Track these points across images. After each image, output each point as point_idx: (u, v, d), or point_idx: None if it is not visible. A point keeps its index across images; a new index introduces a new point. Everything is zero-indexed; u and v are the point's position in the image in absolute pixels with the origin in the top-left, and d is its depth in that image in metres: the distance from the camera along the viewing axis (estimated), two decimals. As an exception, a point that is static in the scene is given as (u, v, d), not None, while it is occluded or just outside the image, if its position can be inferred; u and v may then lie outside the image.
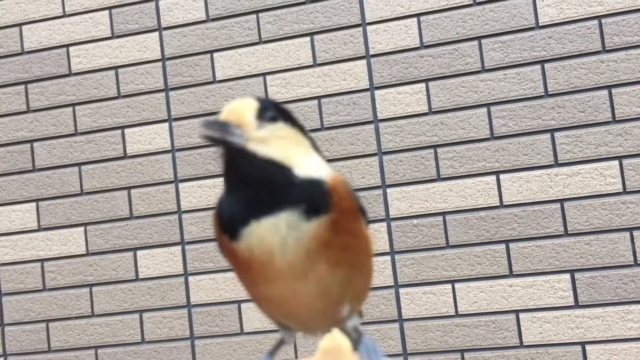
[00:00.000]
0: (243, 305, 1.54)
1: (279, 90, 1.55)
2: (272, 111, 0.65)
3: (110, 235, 1.62)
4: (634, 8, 1.38)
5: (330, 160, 1.51)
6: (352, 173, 1.50)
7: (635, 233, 1.36)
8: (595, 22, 1.40)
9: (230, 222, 0.63)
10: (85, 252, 1.63)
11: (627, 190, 1.37)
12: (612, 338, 1.36)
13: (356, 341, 0.66)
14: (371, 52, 1.51)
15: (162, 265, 1.59)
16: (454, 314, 1.44)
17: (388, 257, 1.47)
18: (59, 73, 1.68)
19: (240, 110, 0.64)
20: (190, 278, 1.57)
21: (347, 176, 1.50)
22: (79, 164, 1.65)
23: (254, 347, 1.53)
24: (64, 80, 1.67)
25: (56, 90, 1.68)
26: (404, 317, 1.46)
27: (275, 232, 0.60)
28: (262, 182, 0.62)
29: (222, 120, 0.63)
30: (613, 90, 1.38)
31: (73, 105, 1.67)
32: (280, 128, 0.65)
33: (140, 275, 1.60)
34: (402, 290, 1.46)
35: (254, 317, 1.53)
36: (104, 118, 1.65)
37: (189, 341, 1.56)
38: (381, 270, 1.47)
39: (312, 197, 0.61)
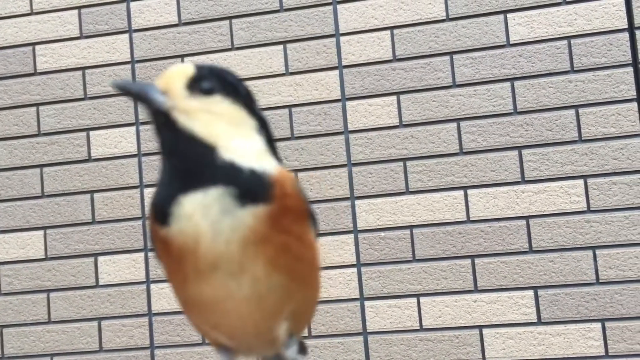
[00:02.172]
0: (206, 315, 1.51)
1: (249, 98, 1.53)
2: (211, 82, 0.59)
3: (71, 240, 1.58)
4: (602, 30, 1.40)
5: (299, 170, 1.50)
6: (321, 183, 1.49)
7: (597, 252, 1.37)
8: (565, 42, 1.42)
9: (161, 202, 0.57)
10: (44, 257, 1.59)
11: (591, 209, 1.38)
12: (574, 355, 1.37)
13: None
14: (344, 62, 1.51)
15: (123, 272, 1.55)
16: (419, 328, 1.43)
17: (354, 270, 1.46)
18: (23, 72, 1.64)
19: (172, 75, 0.59)
20: (153, 286, 1.54)
21: (316, 187, 1.49)
22: (41, 166, 1.60)
23: (215, 358, 1.50)
24: (29, 80, 1.63)
25: (20, 89, 1.63)
26: (368, 331, 1.45)
27: (205, 212, 0.55)
28: (184, 156, 0.57)
29: (148, 81, 0.58)
30: (580, 110, 1.40)
31: (37, 105, 1.62)
32: (216, 102, 0.59)
33: (101, 282, 1.56)
34: (367, 303, 1.45)
35: (217, 327, 1.50)
36: (68, 119, 1.61)
37: (149, 350, 1.53)
38: (347, 283, 1.46)
39: (240, 181, 0.56)
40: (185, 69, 0.59)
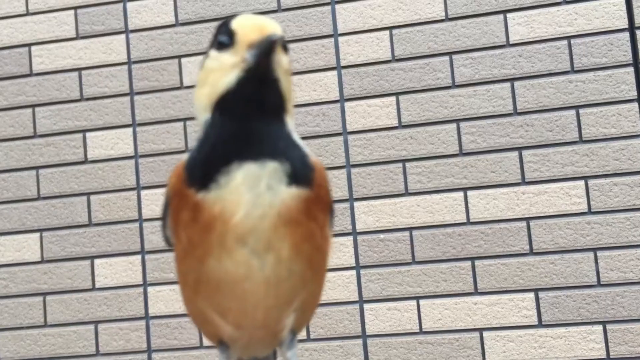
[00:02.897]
0: (203, 318, 1.49)
1: (247, 99, 1.52)
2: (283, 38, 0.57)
3: (67, 243, 1.56)
4: (602, 30, 1.39)
5: (297, 172, 1.49)
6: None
7: (599, 253, 1.36)
8: (565, 42, 1.41)
9: (207, 166, 0.55)
10: (40, 259, 1.57)
11: (592, 210, 1.37)
12: (575, 358, 1.35)
13: None
14: (342, 63, 1.49)
15: (120, 275, 1.54)
16: (418, 331, 1.42)
17: (353, 272, 1.45)
18: (19, 73, 1.62)
19: (272, 27, 0.56)
20: (150, 288, 1.52)
21: (314, 188, 1.47)
22: (37, 168, 1.59)
23: (213, 362, 1.48)
24: (25, 81, 1.62)
25: (16, 90, 1.62)
26: (367, 334, 1.44)
27: (253, 184, 0.54)
28: (263, 116, 0.55)
29: (268, 36, 0.54)
30: (581, 111, 1.39)
31: (33, 106, 1.61)
32: (288, 62, 0.59)
33: (97, 285, 1.54)
34: (366, 306, 1.44)
35: (215, 330, 1.49)
36: (65, 121, 1.59)
37: (146, 354, 1.51)
38: (346, 285, 1.44)
39: (300, 163, 0.55)
40: (278, 27, 0.57)
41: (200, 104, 0.59)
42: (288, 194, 0.55)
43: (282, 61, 0.57)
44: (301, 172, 0.56)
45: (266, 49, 0.54)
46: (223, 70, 0.56)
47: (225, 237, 0.54)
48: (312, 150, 1.52)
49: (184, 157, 0.60)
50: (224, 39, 0.57)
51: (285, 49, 0.58)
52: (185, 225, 0.57)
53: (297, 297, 0.59)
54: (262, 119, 0.56)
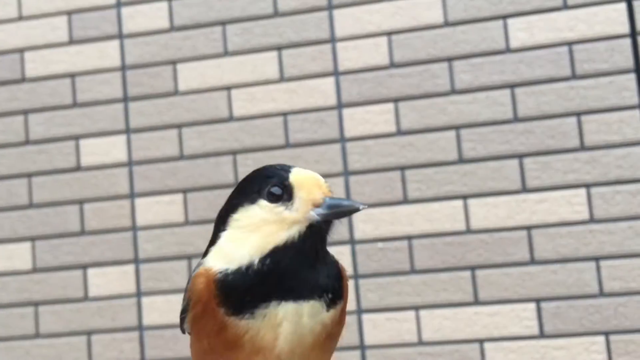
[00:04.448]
0: (198, 329, 1.46)
1: (244, 105, 1.50)
2: None
3: (60, 251, 1.53)
4: (604, 36, 1.37)
5: (294, 179, 1.46)
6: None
7: (601, 263, 1.34)
8: (566, 48, 1.39)
9: (245, 298, 0.57)
10: (31, 269, 1.54)
11: (594, 219, 1.35)
12: (577, 370, 1.33)
13: None
14: (340, 69, 1.47)
15: (113, 284, 1.51)
16: (418, 341, 1.39)
17: (352, 281, 1.42)
18: (11, 78, 1.60)
19: (323, 184, 0.61)
20: (144, 298, 1.49)
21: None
22: (29, 175, 1.56)
23: (208, 373, 1.46)
24: (17, 87, 1.59)
25: (8, 96, 1.59)
26: (366, 344, 1.41)
27: (294, 321, 0.56)
28: (314, 264, 0.59)
29: (336, 198, 0.59)
30: (582, 118, 1.37)
31: (25, 112, 1.58)
32: None
33: (90, 295, 1.51)
34: (365, 316, 1.42)
35: (210, 341, 1.46)
36: (57, 127, 1.57)
37: (140, 365, 1.48)
38: (344, 295, 1.42)
39: (337, 286, 0.59)
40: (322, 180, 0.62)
41: (242, 247, 0.59)
42: (328, 317, 0.58)
43: None
44: (337, 295, 0.59)
45: (339, 215, 0.59)
46: (281, 224, 0.58)
47: (253, 356, 0.57)
48: (309, 157, 1.50)
49: (213, 270, 0.59)
50: (278, 191, 0.59)
51: None
52: (208, 334, 0.59)
53: None
54: (311, 267, 0.59)
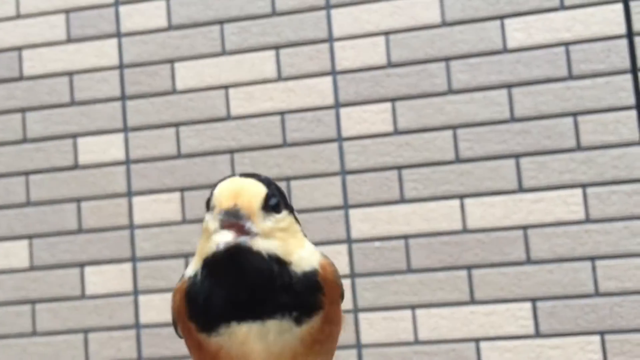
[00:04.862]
0: (195, 327, 1.47)
1: (241, 104, 1.50)
2: (276, 198, 0.57)
3: (57, 249, 1.54)
4: (601, 36, 1.38)
5: (291, 179, 1.46)
6: (314, 192, 1.45)
7: (597, 262, 1.34)
8: (563, 48, 1.39)
9: (204, 314, 0.55)
10: (28, 267, 1.54)
11: (590, 218, 1.36)
12: (572, 369, 1.34)
13: None
14: (338, 68, 1.48)
15: (111, 283, 1.51)
16: (414, 340, 1.40)
17: (348, 280, 1.43)
18: (9, 76, 1.60)
19: (250, 198, 0.55)
20: (141, 297, 1.50)
21: (310, 197, 1.45)
22: (26, 173, 1.56)
23: (205, 372, 1.46)
24: (14, 85, 1.59)
25: (5, 94, 1.59)
26: (362, 343, 1.41)
27: (261, 338, 0.54)
28: (258, 283, 0.54)
29: (233, 209, 0.53)
30: (579, 118, 1.38)
31: (23, 110, 1.58)
32: (283, 218, 0.57)
33: (87, 293, 1.52)
34: (361, 315, 1.42)
35: (207, 339, 1.46)
36: (55, 125, 1.57)
37: (137, 363, 1.49)
38: (340, 294, 1.42)
39: (306, 301, 0.55)
40: (259, 189, 0.56)
41: (196, 255, 0.58)
42: (303, 330, 0.55)
43: (266, 229, 0.55)
44: (312, 305, 0.55)
45: (227, 253, 0.53)
46: (207, 233, 0.56)
47: None
48: (307, 157, 1.50)
49: (185, 280, 0.58)
50: (211, 199, 0.57)
51: (276, 208, 0.57)
52: (192, 347, 0.58)
53: None
54: (256, 283, 0.54)
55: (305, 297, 0.55)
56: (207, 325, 0.55)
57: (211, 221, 0.55)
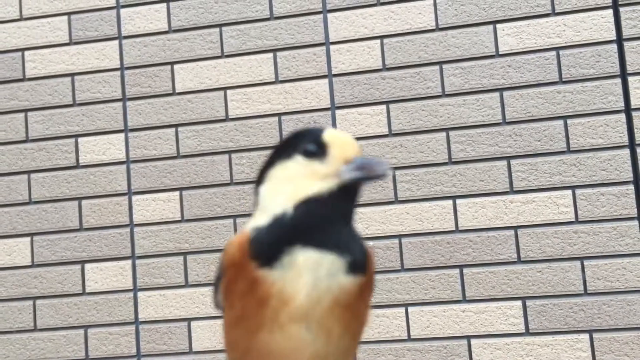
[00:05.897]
0: (193, 324, 1.50)
1: (239, 106, 1.53)
2: None
3: (58, 247, 1.57)
4: (591, 41, 1.41)
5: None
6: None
7: (586, 262, 1.37)
8: (554, 53, 1.42)
9: (272, 245, 0.59)
10: (30, 264, 1.57)
11: (579, 219, 1.38)
12: (561, 366, 1.36)
13: None
14: (334, 71, 1.51)
15: (110, 280, 1.54)
16: (407, 338, 1.43)
17: (343, 279, 1.45)
18: (12, 77, 1.63)
19: (356, 145, 0.63)
20: (140, 293, 1.53)
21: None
22: (29, 172, 1.59)
23: (202, 367, 1.49)
24: (17, 85, 1.62)
25: (8, 94, 1.62)
26: (356, 340, 1.44)
27: (314, 269, 0.58)
28: (347, 218, 0.61)
29: (363, 155, 0.62)
30: (568, 121, 1.41)
31: (25, 111, 1.61)
32: None
33: (87, 289, 1.55)
34: (355, 313, 1.45)
35: (204, 335, 1.49)
36: (57, 126, 1.60)
37: (135, 359, 1.51)
38: (335, 292, 1.45)
39: (360, 254, 0.60)
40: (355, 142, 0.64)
41: (276, 198, 0.63)
42: (347, 281, 0.59)
43: None
44: (360, 262, 0.60)
45: (367, 178, 0.60)
46: (313, 177, 0.61)
47: (280, 313, 0.59)
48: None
49: (247, 230, 0.63)
50: (313, 148, 0.62)
51: None
52: (240, 295, 0.61)
53: None
54: (338, 226, 0.61)
55: (359, 253, 0.60)
56: (272, 257, 0.58)
57: (320, 165, 0.61)
